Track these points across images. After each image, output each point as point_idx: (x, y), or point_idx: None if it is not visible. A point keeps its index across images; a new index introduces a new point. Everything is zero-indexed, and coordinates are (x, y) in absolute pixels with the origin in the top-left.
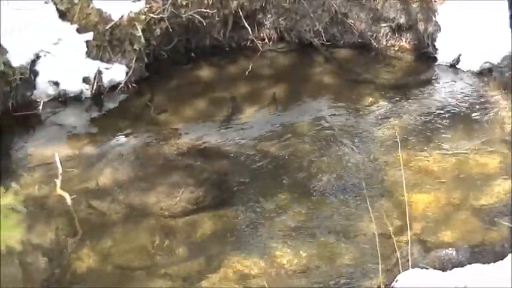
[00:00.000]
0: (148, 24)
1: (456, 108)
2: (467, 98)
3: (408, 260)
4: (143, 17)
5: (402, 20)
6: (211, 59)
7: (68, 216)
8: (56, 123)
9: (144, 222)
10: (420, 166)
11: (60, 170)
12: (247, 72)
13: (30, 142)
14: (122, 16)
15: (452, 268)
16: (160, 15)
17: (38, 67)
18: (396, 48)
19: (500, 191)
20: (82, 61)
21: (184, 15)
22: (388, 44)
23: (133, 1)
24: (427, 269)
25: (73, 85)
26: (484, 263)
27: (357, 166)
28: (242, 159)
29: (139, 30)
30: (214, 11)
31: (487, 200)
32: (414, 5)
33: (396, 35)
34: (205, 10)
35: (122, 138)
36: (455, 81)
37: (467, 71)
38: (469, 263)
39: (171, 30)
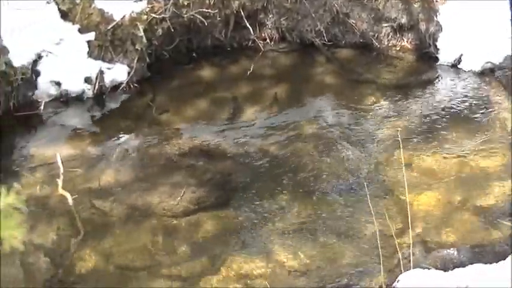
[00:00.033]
0: (150, 24)
1: (457, 108)
2: (469, 98)
3: (410, 260)
4: (145, 17)
5: (404, 20)
6: (212, 59)
7: (70, 216)
8: (57, 123)
9: (146, 222)
10: (422, 166)
11: (61, 170)
12: (248, 72)
13: (31, 142)
14: (124, 16)
15: (454, 268)
16: (162, 15)
17: (39, 67)
18: (398, 48)
19: (502, 191)
20: (84, 61)
21: (185, 15)
22: (389, 44)
23: (135, 1)
24: (428, 269)
25: (75, 85)
26: (485, 263)
27: (358, 166)
28: (243, 159)
29: (141, 30)
30: (216, 11)
31: (488, 200)
32: (416, 5)
33: (398, 35)
34: (206, 10)
35: (123, 138)
36: (456, 81)
37: (468, 71)
38: (471, 263)
39: (172, 30)
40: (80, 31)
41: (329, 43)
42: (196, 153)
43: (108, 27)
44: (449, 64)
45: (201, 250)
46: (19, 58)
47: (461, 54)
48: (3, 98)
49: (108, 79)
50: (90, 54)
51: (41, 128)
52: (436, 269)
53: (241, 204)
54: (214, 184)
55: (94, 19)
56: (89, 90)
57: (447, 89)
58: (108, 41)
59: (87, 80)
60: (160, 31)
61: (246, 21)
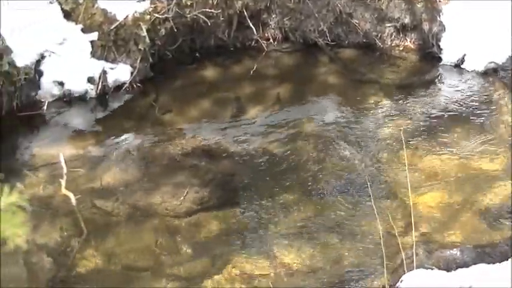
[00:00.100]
0: (153, 24)
1: (461, 109)
2: (472, 98)
3: (413, 260)
4: (148, 17)
5: (407, 20)
6: (215, 59)
7: (73, 216)
8: (60, 123)
9: (149, 222)
10: (425, 166)
11: (64, 170)
12: (251, 72)
13: (34, 142)
14: (127, 16)
15: (457, 268)
16: (165, 15)
17: (42, 67)
18: (401, 48)
19: (505, 191)
20: (87, 61)
21: (189, 15)
22: (392, 44)
23: (138, 1)
24: (431, 269)
25: (78, 85)
26: (488, 263)
27: (362, 166)
28: (246, 159)
29: (144, 30)
30: (219, 11)
31: (491, 200)
32: (419, 5)
33: (401, 35)
34: (210, 10)
35: (126, 138)
36: (459, 82)
37: (472, 71)
38: (474, 263)
39: (175, 30)
40: (83, 31)
41: (332, 43)
42: (199, 153)
43: (111, 27)
44: (453, 64)
45: (204, 250)
46: (22, 58)
47: (465, 54)
48: (7, 98)
49: (111, 79)
50: (93, 54)
51: (44, 128)
52: (439, 269)
53: (244, 204)
54: (217, 184)
55: (97, 19)
56: (92, 90)
57: (450, 89)
58: (111, 41)
59: (90, 80)
60: (163, 31)
61: (249, 21)
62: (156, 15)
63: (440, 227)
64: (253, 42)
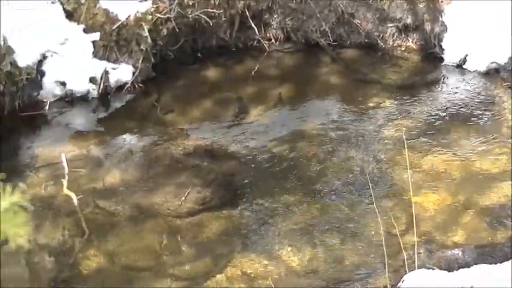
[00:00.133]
0: (155, 25)
1: (462, 109)
2: (474, 98)
3: (414, 260)
4: (150, 17)
5: (409, 20)
6: (217, 59)
7: (75, 216)
8: (62, 124)
9: (151, 222)
10: (426, 166)
11: (66, 170)
12: (253, 73)
13: (36, 142)
14: (129, 16)
15: (459, 268)
16: (167, 16)
17: (44, 67)
18: (403, 49)
19: (507, 192)
20: (89, 61)
21: (190, 16)
22: (394, 44)
23: (140, 1)
24: (433, 269)
25: (80, 85)
26: (490, 264)
27: (363, 166)
28: (248, 160)
29: (146, 30)
30: (221, 11)
31: (493, 200)
32: (421, 5)
33: (403, 35)
34: (211, 10)
35: (128, 139)
36: (461, 82)
37: (473, 71)
38: (476, 264)
39: (177, 30)
40: (85, 31)
41: (334, 43)
42: (201, 153)
43: (113, 27)
44: (455, 64)
45: (206, 250)
46: (24, 58)
47: (467, 55)
48: (9, 98)
49: (113, 79)
50: (95, 54)
51: (46, 128)
52: (441, 269)
53: (246, 204)
54: (219, 184)
55: (99, 19)
56: (94, 90)
57: (452, 90)
58: (113, 41)
59: (92, 80)
60: (165, 31)
61: (251, 22)
62: (158, 15)
63: (441, 227)
64: (255, 43)
